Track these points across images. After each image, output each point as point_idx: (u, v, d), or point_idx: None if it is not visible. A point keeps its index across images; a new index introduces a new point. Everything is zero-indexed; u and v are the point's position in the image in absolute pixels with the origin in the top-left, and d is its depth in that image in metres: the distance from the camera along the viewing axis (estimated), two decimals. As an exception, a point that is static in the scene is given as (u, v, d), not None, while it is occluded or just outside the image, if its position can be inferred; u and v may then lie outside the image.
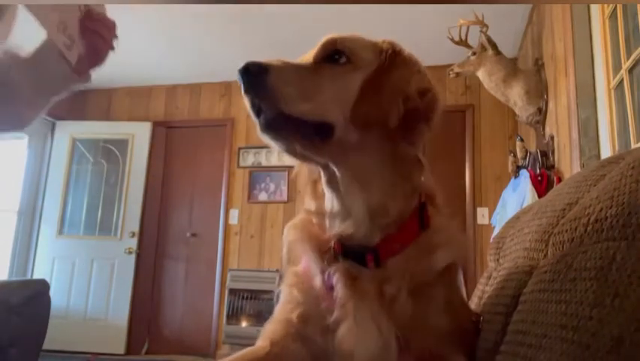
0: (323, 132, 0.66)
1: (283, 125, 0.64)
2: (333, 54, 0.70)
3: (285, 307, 0.76)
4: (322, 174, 0.74)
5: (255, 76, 0.62)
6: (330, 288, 0.70)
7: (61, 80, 0.93)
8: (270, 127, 0.65)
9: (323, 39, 0.72)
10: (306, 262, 0.77)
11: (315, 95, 0.66)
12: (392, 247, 0.70)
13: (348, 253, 0.70)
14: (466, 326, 0.76)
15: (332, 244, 0.72)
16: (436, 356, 0.68)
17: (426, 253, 0.70)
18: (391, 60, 0.71)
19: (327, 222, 0.73)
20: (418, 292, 0.68)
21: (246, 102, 0.66)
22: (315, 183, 0.78)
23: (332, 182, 0.72)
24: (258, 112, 0.65)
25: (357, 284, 0.68)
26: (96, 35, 0.92)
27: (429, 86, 0.71)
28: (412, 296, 0.67)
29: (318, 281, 0.72)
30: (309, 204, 0.78)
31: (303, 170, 0.81)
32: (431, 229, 0.73)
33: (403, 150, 0.70)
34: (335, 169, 0.71)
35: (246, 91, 0.64)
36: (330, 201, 0.73)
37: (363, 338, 0.65)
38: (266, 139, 0.66)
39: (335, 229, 0.71)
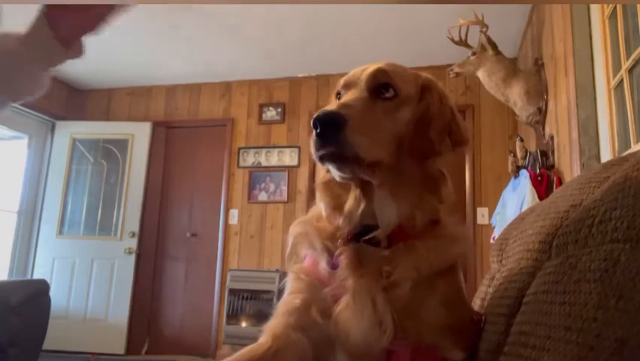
0: (374, 165, 0.73)
1: (340, 159, 0.71)
2: (383, 86, 0.77)
3: (288, 298, 0.78)
4: (354, 185, 0.78)
5: (331, 125, 0.69)
6: (335, 268, 0.74)
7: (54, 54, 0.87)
8: (332, 160, 0.72)
9: (372, 68, 0.79)
10: (311, 257, 0.79)
11: (374, 133, 0.73)
12: (405, 233, 0.75)
13: (360, 238, 0.75)
14: (465, 322, 0.77)
15: (345, 233, 0.76)
16: (431, 348, 0.69)
17: (436, 245, 0.75)
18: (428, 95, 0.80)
19: (341, 218, 0.77)
20: (419, 281, 0.71)
21: (313, 144, 0.71)
22: (328, 183, 0.82)
23: (365, 191, 0.77)
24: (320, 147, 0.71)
25: (361, 264, 0.72)
26: None
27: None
28: (413, 285, 0.70)
29: (323, 264, 0.76)
30: (323, 200, 0.81)
31: (322, 172, 0.85)
32: (441, 225, 0.78)
33: (431, 168, 0.78)
34: (374, 184, 0.76)
35: (319, 136, 0.69)
36: (357, 204, 0.77)
37: (359, 312, 0.68)
38: (329, 166, 0.74)
39: (355, 222, 0.75)
